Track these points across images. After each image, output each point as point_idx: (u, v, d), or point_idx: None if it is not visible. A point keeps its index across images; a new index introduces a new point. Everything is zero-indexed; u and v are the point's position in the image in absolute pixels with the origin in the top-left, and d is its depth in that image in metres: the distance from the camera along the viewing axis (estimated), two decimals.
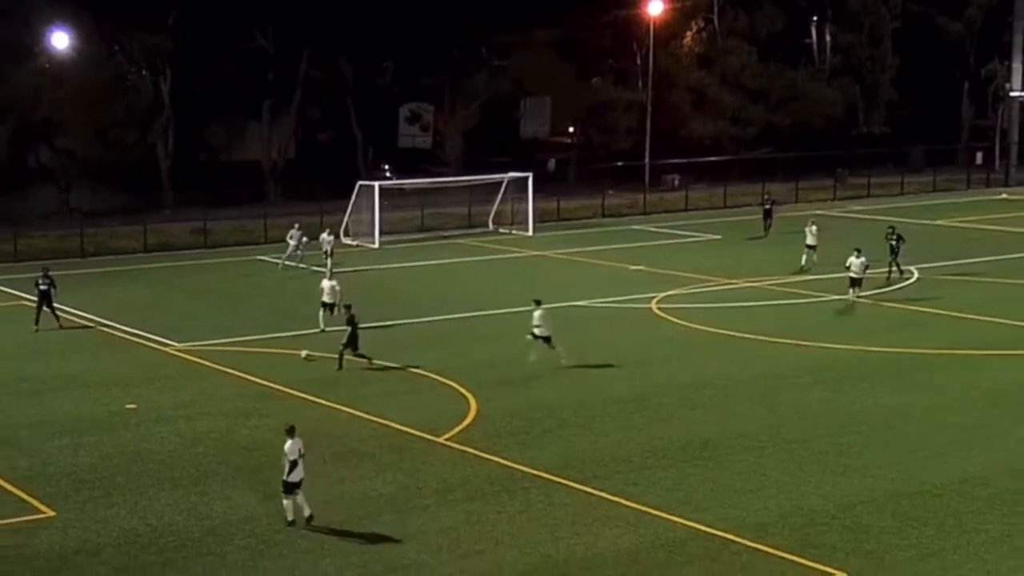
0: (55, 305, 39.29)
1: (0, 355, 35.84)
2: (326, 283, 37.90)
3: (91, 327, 39.74)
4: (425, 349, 35.96)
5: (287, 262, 49.83)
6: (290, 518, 22.34)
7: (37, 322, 38.78)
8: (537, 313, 33.30)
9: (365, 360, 33.17)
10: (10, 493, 24.32)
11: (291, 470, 22.21)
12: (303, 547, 21.65)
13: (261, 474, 25.31)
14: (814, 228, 49.01)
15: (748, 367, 33.84)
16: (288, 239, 50.62)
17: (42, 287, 39.12)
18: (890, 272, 45.36)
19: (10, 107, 66.87)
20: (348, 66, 75.66)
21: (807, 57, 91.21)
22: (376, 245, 55.97)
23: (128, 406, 30.24)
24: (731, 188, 71.41)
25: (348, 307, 33.69)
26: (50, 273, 39.79)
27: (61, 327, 38.78)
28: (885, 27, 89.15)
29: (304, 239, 49.94)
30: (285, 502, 22.36)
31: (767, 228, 57.46)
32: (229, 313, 41.76)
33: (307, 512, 22.44)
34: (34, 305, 39.24)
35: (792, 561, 20.85)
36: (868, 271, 41.98)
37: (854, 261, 41.35)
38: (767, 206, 58.35)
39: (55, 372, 33.74)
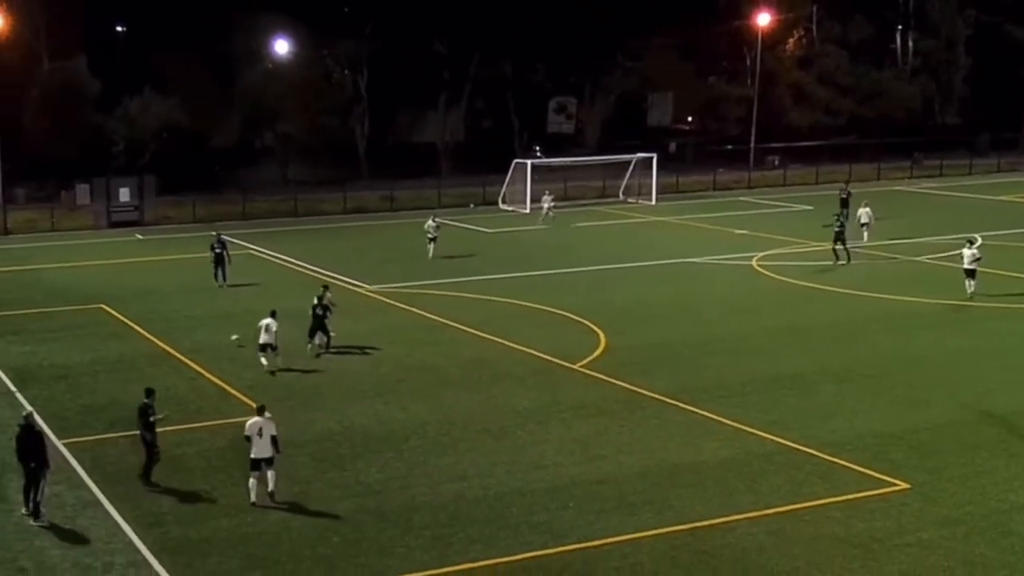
0: (225, 266, 37.29)
1: (237, 293, 36.59)
2: (264, 322, 27.40)
3: (313, 273, 40.65)
4: (565, 294, 35.96)
5: (541, 224, 51.39)
6: (252, 498, 18.97)
7: (216, 277, 37.14)
8: (266, 322, 27.19)
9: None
10: (238, 398, 25.12)
11: (251, 446, 19.07)
12: (464, 448, 21.92)
13: (432, 390, 25.70)
14: (868, 209, 45.66)
15: (831, 315, 33.08)
16: (542, 203, 52.54)
17: (216, 250, 37.30)
18: (848, 254, 40.55)
19: (242, 101, 68.64)
20: (508, 67, 75.66)
21: (891, 59, 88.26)
22: (527, 211, 56.06)
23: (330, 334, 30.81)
24: (822, 168, 69.57)
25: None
26: (223, 238, 38.17)
27: (220, 286, 36.95)
28: (960, 34, 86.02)
29: (553, 204, 52.58)
30: (250, 480, 19.08)
31: (847, 217, 53.06)
32: (410, 263, 42.30)
33: (271, 487, 19.02)
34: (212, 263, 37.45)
35: (863, 473, 20.44)
36: (979, 262, 34.69)
37: (965, 252, 34.72)
38: (843, 195, 52.28)
39: (271, 307, 34.37)
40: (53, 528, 18.37)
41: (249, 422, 19.44)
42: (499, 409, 24.26)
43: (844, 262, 40.35)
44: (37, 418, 20.18)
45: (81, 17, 64.34)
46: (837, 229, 40.99)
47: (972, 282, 34.55)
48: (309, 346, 28.69)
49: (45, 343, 30.35)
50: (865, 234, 45.36)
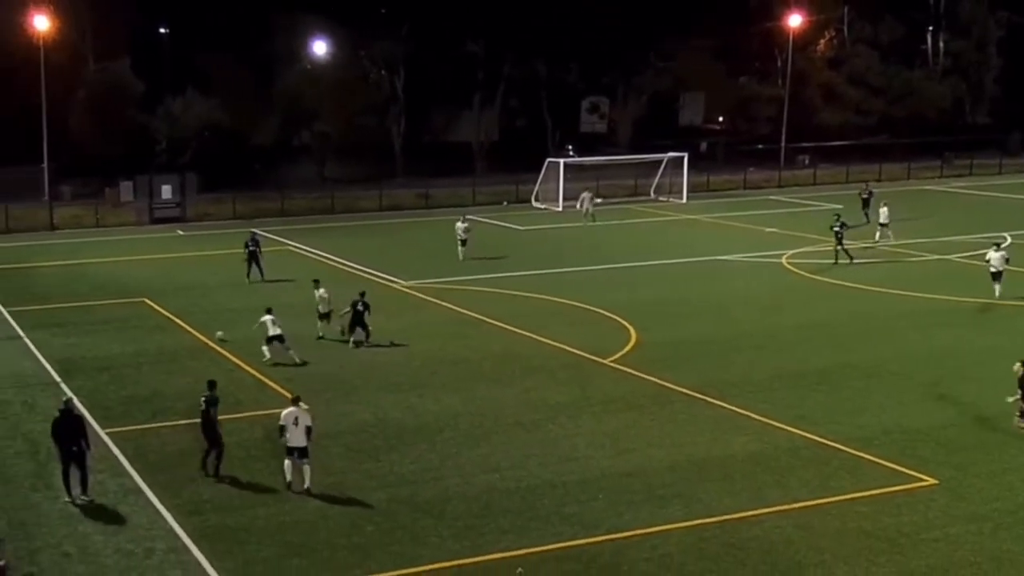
0: (260, 262, 37.60)
1: (275, 288, 36.63)
2: (265, 318, 27.78)
3: (339, 268, 40.85)
4: (596, 290, 35.91)
5: (587, 221, 50.98)
6: (287, 479, 19.33)
7: (248, 275, 37.33)
8: (267, 319, 27.62)
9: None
10: (275, 389, 25.16)
11: (281, 435, 19.32)
12: (497, 440, 21.94)
13: (465, 383, 25.77)
14: (886, 209, 44.90)
15: (859, 311, 32.83)
16: (579, 202, 52.18)
17: (251, 248, 37.47)
18: (837, 256, 39.90)
19: (281, 100, 69.03)
20: (542, 67, 75.62)
21: (922, 60, 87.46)
22: (560, 209, 56.02)
23: (369, 329, 30.87)
24: (852, 167, 69.05)
25: (362, 293, 29.46)
26: (257, 236, 38.29)
27: (256, 281, 37.21)
28: (991, 35, 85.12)
29: (596, 200, 52.15)
30: (285, 462, 19.39)
31: (867, 218, 49.57)
32: (443, 259, 42.32)
33: (307, 483, 19.08)
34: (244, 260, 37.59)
35: (891, 468, 20.29)
36: (1008, 264, 34.16)
37: (993, 255, 33.84)
38: (865, 196, 51.20)
39: (309, 300, 34.63)
40: (96, 514, 18.60)
41: (284, 412, 19.53)
42: (531, 402, 24.27)
43: (835, 261, 39.80)
44: (76, 403, 20.45)
45: (126, 19, 65.00)
46: (836, 230, 40.31)
47: (999, 285, 33.91)
48: (350, 341, 29.01)
49: (89, 335, 30.71)
50: (889, 233, 44.95)
